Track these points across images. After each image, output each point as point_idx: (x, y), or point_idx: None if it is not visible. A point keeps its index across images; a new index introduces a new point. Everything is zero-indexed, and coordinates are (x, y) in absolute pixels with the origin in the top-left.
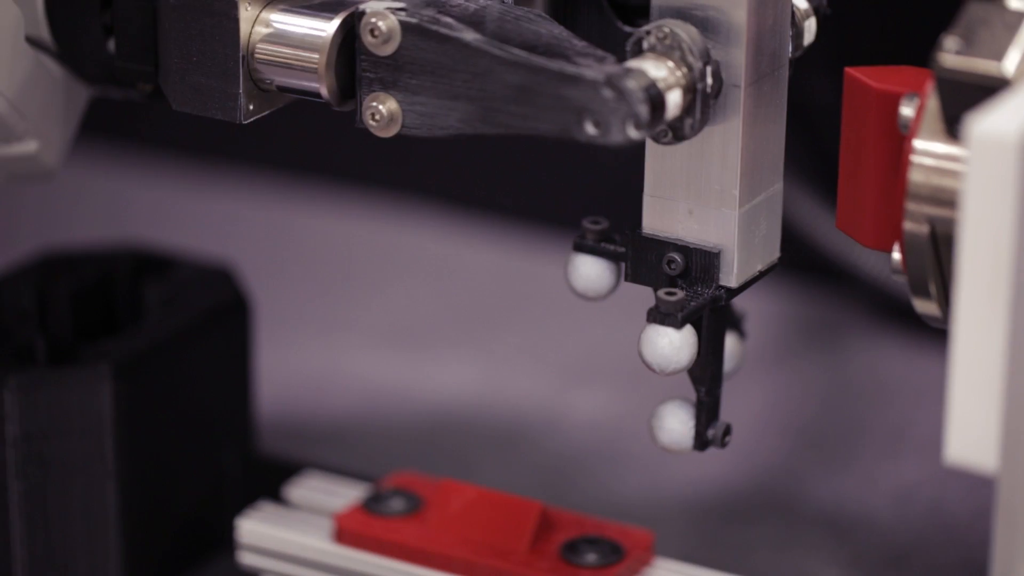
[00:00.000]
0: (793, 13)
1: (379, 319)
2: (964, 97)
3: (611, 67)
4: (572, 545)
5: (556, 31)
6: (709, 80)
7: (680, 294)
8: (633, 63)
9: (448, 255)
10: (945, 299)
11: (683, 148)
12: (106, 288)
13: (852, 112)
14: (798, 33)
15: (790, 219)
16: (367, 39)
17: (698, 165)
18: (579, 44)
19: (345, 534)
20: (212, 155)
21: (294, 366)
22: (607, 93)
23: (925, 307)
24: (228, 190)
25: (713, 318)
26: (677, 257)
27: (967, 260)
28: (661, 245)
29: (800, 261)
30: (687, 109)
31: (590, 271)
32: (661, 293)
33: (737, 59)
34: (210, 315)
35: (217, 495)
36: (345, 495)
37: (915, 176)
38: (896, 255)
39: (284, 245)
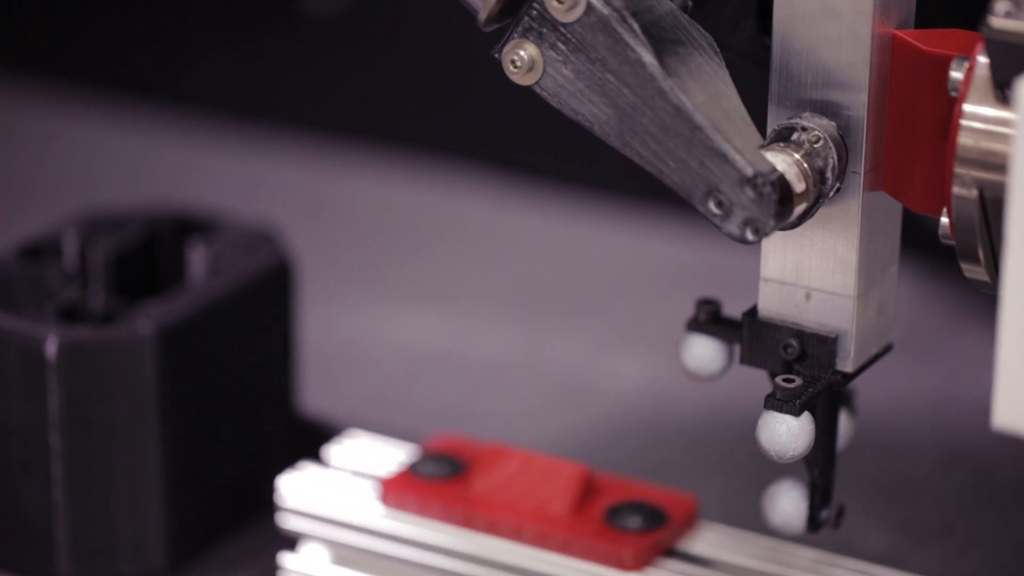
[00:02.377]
0: None
1: (422, 281)
2: (1014, 60)
3: (761, 163)
4: (616, 509)
5: (724, 83)
6: (837, 187)
7: (798, 381)
8: (780, 160)
9: (492, 218)
10: (994, 264)
11: (800, 234)
12: (149, 249)
13: (901, 75)
14: None
15: None
16: None
17: (816, 251)
18: (740, 110)
19: (389, 497)
20: (256, 116)
21: (337, 328)
22: (748, 192)
23: (974, 272)
24: (272, 151)
25: (828, 402)
26: (794, 342)
27: (1016, 224)
28: (778, 330)
29: None
30: (806, 212)
31: (704, 351)
32: (779, 380)
33: (857, 147)
34: (253, 277)
35: (259, 457)
36: (387, 457)
37: (964, 140)
38: (944, 219)
39: (327, 207)
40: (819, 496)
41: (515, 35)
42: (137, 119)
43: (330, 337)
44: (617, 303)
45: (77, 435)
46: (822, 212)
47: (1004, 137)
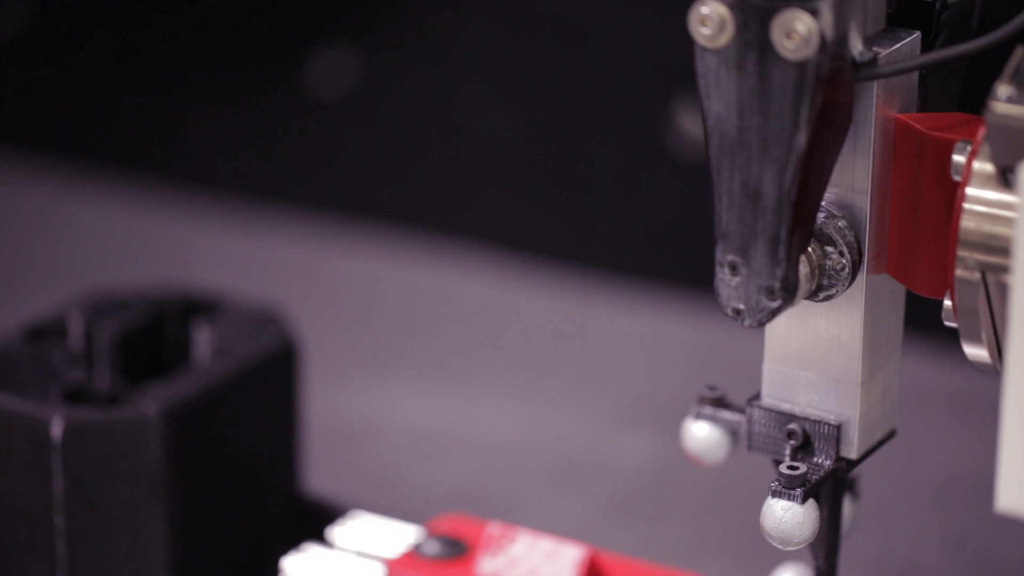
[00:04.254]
0: None
1: (426, 362)
2: (1016, 145)
3: (792, 275)
4: None
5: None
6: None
7: (802, 468)
8: (803, 265)
9: (496, 298)
10: (997, 347)
11: (804, 320)
12: (154, 330)
13: (904, 158)
14: None
15: None
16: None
17: (820, 338)
18: (818, 200)
19: None
20: (261, 196)
21: (341, 408)
22: (760, 293)
23: (977, 355)
24: (277, 232)
25: (833, 488)
26: (798, 429)
27: (1019, 307)
28: (781, 416)
29: None
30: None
31: (708, 438)
32: (783, 468)
33: (861, 236)
34: (259, 359)
35: (264, 538)
36: (391, 538)
37: (967, 223)
38: (948, 302)
39: (332, 287)
40: None
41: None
42: (141, 199)
43: (335, 418)
44: (621, 383)
45: (82, 516)
46: (827, 302)
47: (1007, 221)
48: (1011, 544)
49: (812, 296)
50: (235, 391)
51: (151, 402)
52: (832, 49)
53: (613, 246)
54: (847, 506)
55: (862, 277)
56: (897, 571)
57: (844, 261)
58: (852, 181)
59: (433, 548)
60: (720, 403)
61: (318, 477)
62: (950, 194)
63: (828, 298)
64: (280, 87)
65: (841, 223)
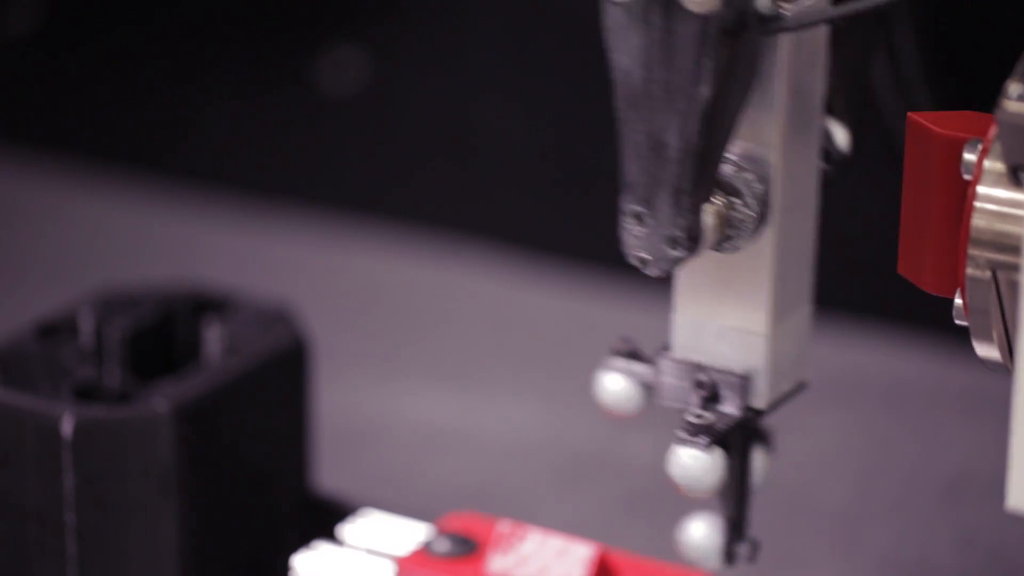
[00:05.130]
0: (826, 137)
1: (436, 360)
2: None
3: (695, 225)
4: None
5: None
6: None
7: (709, 417)
8: (710, 214)
9: (507, 296)
10: (1008, 345)
11: (713, 271)
12: (165, 328)
13: (914, 157)
14: (833, 154)
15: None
16: None
17: (729, 288)
18: (722, 150)
19: (404, 575)
20: (272, 194)
21: (351, 406)
22: (663, 242)
23: (987, 353)
24: (287, 230)
25: (741, 438)
26: (706, 379)
27: None
28: (690, 367)
29: (864, 309)
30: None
31: (619, 390)
32: (689, 416)
33: (768, 187)
34: (269, 356)
35: (274, 536)
36: (401, 535)
37: (978, 222)
38: (958, 301)
39: (343, 285)
40: (734, 531)
41: None
42: (152, 196)
43: (345, 415)
44: None
45: (92, 514)
46: (735, 254)
47: (1018, 219)
48: (1022, 543)
49: (718, 247)
50: (245, 389)
51: (162, 400)
52: (737, 3)
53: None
54: (760, 458)
55: (769, 229)
56: (908, 569)
57: (750, 213)
58: (760, 135)
59: (443, 546)
60: (633, 355)
61: (328, 475)
62: (960, 193)
63: (734, 249)
64: (290, 85)
65: (749, 176)
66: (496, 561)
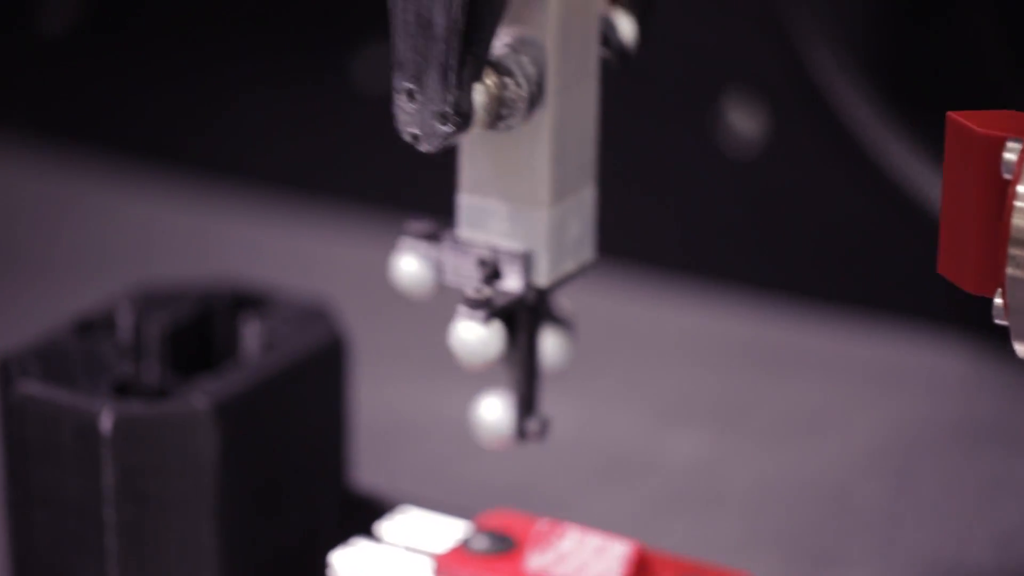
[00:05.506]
0: (608, 25)
1: None
2: None
3: (464, 101)
4: None
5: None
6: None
7: (487, 291)
8: (479, 92)
9: None
10: None
11: (495, 151)
12: (203, 324)
13: (954, 156)
14: (613, 42)
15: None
16: None
17: (508, 168)
18: (493, 31)
19: (443, 573)
20: (311, 191)
21: (390, 403)
22: (435, 119)
23: None
24: (326, 226)
25: (527, 315)
26: (487, 257)
27: None
28: (474, 247)
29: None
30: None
31: (413, 271)
32: (469, 291)
33: (543, 69)
34: (308, 352)
35: (313, 533)
36: (440, 533)
37: (1018, 221)
38: (998, 300)
39: (381, 281)
40: (523, 407)
41: None
42: (191, 193)
43: (383, 412)
44: (670, 379)
45: (131, 509)
46: (514, 130)
47: None
48: None
49: (493, 125)
50: (284, 385)
51: (201, 396)
52: None
53: (661, 241)
54: (559, 342)
55: (547, 108)
56: (946, 569)
57: (521, 93)
58: (534, 19)
59: (481, 543)
60: (426, 237)
61: (366, 472)
62: (1000, 192)
63: (508, 128)
64: (327, 80)
65: (523, 58)
66: (534, 559)
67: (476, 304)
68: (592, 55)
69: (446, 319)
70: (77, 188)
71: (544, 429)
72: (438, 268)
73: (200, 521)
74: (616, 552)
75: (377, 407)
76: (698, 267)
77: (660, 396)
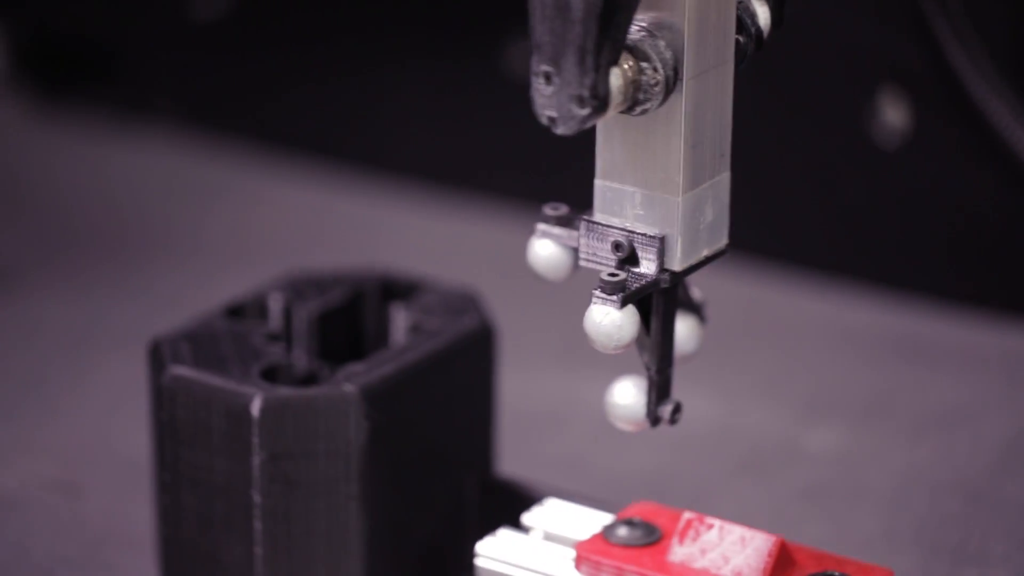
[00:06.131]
0: (745, 10)
1: None
2: None
3: (602, 84)
4: None
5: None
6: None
7: (622, 275)
8: (615, 76)
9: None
10: None
11: (631, 137)
12: (352, 311)
13: None
14: (749, 28)
15: None
16: None
17: (644, 153)
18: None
19: (584, 562)
20: (459, 181)
21: (533, 393)
22: (572, 101)
23: None
24: (474, 216)
25: (662, 300)
26: (623, 241)
27: None
28: (609, 231)
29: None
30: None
31: (550, 254)
32: (604, 274)
33: (680, 54)
34: (456, 340)
35: (457, 521)
36: (583, 524)
37: None
38: None
39: (524, 271)
40: (655, 393)
41: None
42: (343, 183)
43: (526, 402)
44: (814, 372)
45: (279, 493)
46: (650, 116)
47: None
48: None
49: (629, 110)
50: (432, 373)
51: (349, 382)
52: None
53: (810, 236)
54: (692, 327)
55: (681, 94)
56: None
57: (658, 77)
58: (672, 3)
59: (625, 534)
60: (562, 222)
61: (509, 461)
62: None
63: (644, 112)
64: (477, 73)
65: (660, 42)
66: (678, 550)
67: (611, 288)
68: (728, 41)
69: (582, 310)
70: (229, 175)
71: (676, 414)
72: (574, 252)
73: (346, 505)
74: (759, 545)
75: (520, 396)
76: (841, 261)
77: (801, 390)
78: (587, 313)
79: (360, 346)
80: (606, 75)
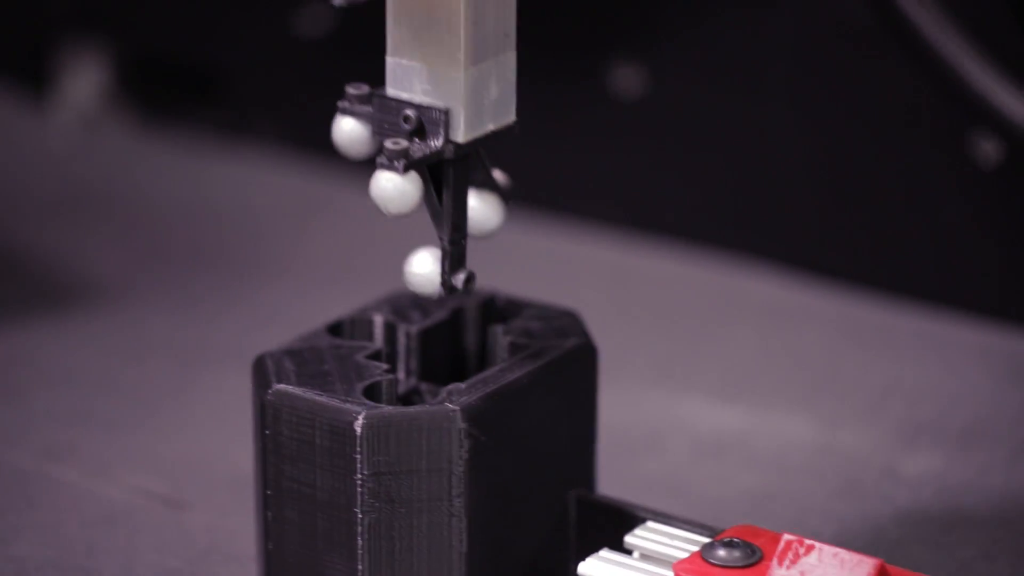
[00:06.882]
0: None
1: (720, 370)
2: None
3: None
4: None
5: None
6: None
7: (404, 144)
8: None
9: (788, 307)
10: None
11: (418, 16)
12: (455, 330)
13: None
14: None
15: None
16: None
17: (429, 31)
18: None
19: None
20: (559, 201)
21: (633, 412)
22: None
23: None
24: (574, 234)
25: (454, 172)
26: (411, 114)
27: None
28: (399, 104)
29: None
30: None
31: (351, 129)
32: (387, 143)
33: None
34: (558, 359)
35: (558, 540)
36: (683, 546)
37: None
38: None
39: (631, 289)
40: (449, 263)
41: None
42: None
43: (627, 422)
44: (914, 394)
45: (381, 510)
46: None
47: None
48: None
49: None
50: (534, 392)
51: (451, 400)
52: None
53: (913, 260)
54: (492, 205)
55: None
56: None
57: None
58: None
59: (724, 555)
60: (363, 100)
61: (608, 481)
62: None
63: None
64: (579, 96)
65: None
66: (778, 572)
67: (393, 155)
68: None
69: (686, 329)
70: (332, 191)
71: (469, 283)
72: (372, 127)
73: (448, 523)
74: (860, 569)
75: (617, 414)
76: (942, 291)
77: (900, 411)
78: (372, 178)
79: (462, 365)
80: None
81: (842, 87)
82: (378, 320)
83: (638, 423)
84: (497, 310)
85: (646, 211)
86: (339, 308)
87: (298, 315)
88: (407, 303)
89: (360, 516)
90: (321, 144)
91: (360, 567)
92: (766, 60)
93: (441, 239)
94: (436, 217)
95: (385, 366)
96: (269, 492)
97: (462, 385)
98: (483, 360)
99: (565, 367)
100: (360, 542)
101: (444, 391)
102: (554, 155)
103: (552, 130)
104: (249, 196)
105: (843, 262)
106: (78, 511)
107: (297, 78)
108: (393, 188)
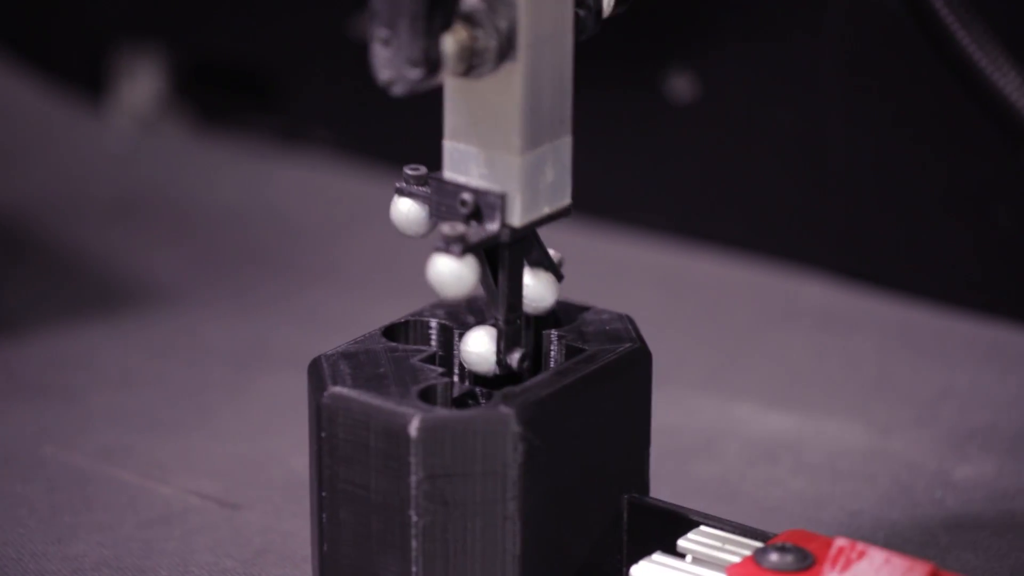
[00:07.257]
0: None
1: (771, 375)
2: None
3: (433, 48)
4: None
5: None
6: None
7: (461, 228)
8: (450, 41)
9: (841, 312)
10: None
11: (475, 100)
12: None
13: None
14: (589, 3)
15: None
16: None
17: (486, 116)
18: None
19: None
20: (610, 204)
21: (686, 416)
22: (409, 66)
23: None
24: (627, 239)
25: (510, 254)
26: (468, 199)
27: None
28: (456, 188)
29: None
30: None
31: (408, 210)
32: (445, 227)
33: (513, 26)
34: (613, 363)
35: (611, 543)
36: (735, 550)
37: None
38: None
39: (680, 294)
40: (503, 341)
41: None
42: None
43: (680, 425)
44: (965, 400)
45: (435, 512)
46: (491, 82)
47: None
48: None
49: (466, 74)
50: (588, 395)
51: (505, 403)
52: None
53: (962, 264)
54: (546, 283)
55: (518, 62)
56: None
57: (490, 44)
58: None
59: (777, 559)
60: (420, 181)
61: (660, 484)
62: None
63: (478, 76)
64: (635, 104)
65: (495, 12)
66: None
67: (451, 240)
68: (567, 13)
69: (738, 335)
70: (389, 196)
71: (524, 362)
72: (429, 208)
73: (502, 525)
74: (912, 573)
75: (670, 418)
76: (996, 290)
77: (951, 417)
78: (429, 262)
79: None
80: (438, 40)
81: (896, 93)
82: (433, 323)
83: (691, 427)
84: (552, 314)
85: (700, 217)
86: (394, 311)
87: (354, 318)
88: (462, 307)
89: (414, 519)
90: (375, 148)
91: (414, 569)
92: (819, 68)
93: (496, 319)
94: (492, 297)
95: (440, 369)
96: (324, 494)
97: (516, 389)
98: (537, 363)
99: (619, 371)
100: (414, 544)
101: (499, 394)
102: (610, 161)
103: (608, 137)
104: (305, 200)
105: (896, 268)
106: (134, 511)
107: (352, 82)
108: (450, 273)
